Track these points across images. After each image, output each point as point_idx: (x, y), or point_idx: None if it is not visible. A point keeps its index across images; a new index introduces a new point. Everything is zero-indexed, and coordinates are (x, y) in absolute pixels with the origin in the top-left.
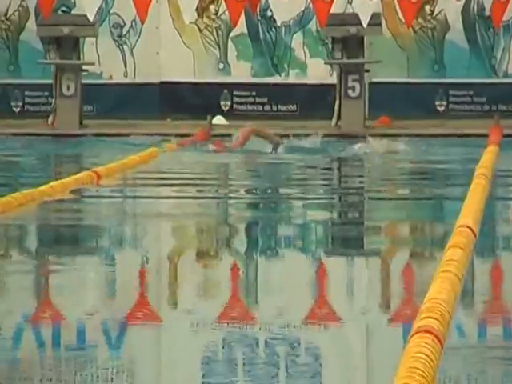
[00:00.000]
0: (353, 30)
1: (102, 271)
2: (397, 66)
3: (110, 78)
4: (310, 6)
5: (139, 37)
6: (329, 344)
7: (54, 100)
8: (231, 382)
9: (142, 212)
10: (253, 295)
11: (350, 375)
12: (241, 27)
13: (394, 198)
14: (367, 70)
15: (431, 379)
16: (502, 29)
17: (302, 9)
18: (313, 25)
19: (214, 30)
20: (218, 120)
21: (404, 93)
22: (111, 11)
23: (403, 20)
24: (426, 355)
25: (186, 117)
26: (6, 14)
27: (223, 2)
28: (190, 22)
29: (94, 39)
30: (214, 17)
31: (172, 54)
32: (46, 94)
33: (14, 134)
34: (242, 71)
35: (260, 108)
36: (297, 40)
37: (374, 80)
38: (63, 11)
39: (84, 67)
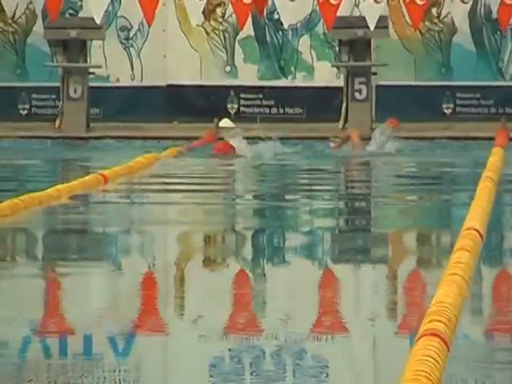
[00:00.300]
0: (360, 32)
1: (106, 276)
2: (404, 69)
3: (117, 80)
4: (317, 8)
5: (146, 40)
6: (335, 347)
7: (61, 103)
8: None
9: (147, 216)
10: (258, 303)
11: (356, 378)
12: (248, 30)
13: (398, 203)
14: (374, 73)
15: (437, 382)
16: (510, 31)
17: (309, 11)
18: (320, 28)
19: (221, 33)
20: (225, 123)
21: (411, 95)
22: (118, 14)
23: (410, 23)
24: (433, 358)
25: (193, 120)
26: (13, 17)
27: (230, 5)
28: (197, 25)
29: (101, 42)
30: (220, 19)
31: (179, 57)
32: (53, 96)
33: (21, 137)
34: (248, 74)
35: (267, 111)
36: (304, 43)
37: (381, 83)
38: (70, 14)
39: (91, 70)
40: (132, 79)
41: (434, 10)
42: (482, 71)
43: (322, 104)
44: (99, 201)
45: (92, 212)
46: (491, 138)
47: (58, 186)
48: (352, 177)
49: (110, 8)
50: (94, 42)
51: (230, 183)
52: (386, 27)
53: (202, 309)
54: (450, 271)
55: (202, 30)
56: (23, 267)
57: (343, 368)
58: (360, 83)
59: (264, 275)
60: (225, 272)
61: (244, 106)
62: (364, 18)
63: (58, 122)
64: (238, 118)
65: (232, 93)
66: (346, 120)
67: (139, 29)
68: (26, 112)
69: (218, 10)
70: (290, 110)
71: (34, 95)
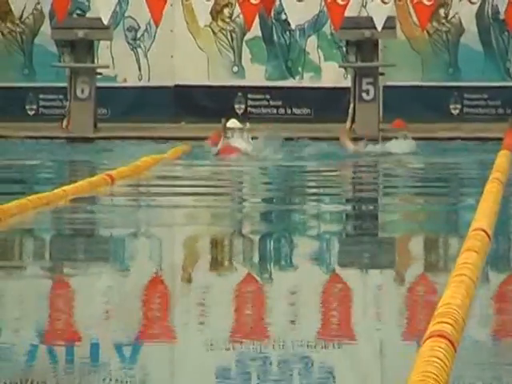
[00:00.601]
0: (367, 33)
1: (111, 278)
2: (411, 70)
3: (125, 81)
4: (325, 9)
5: (153, 40)
6: (342, 348)
7: (68, 103)
8: None
9: (152, 217)
10: (263, 307)
11: (364, 378)
12: (255, 30)
13: (406, 203)
14: (381, 73)
15: (445, 383)
16: None
17: (317, 12)
18: (327, 28)
19: (229, 33)
20: (233, 123)
21: (418, 96)
22: (126, 14)
23: (417, 23)
24: (440, 359)
25: (200, 120)
26: (20, 18)
27: (237, 6)
28: (205, 26)
29: (108, 42)
30: (228, 20)
31: (186, 57)
32: (61, 97)
33: (29, 137)
34: (256, 74)
35: (274, 111)
36: (311, 43)
37: (389, 83)
38: (78, 14)
39: (98, 70)
40: (139, 79)
41: (441, 11)
42: (490, 72)
43: (330, 104)
44: (104, 201)
45: (96, 213)
46: (499, 139)
47: (65, 187)
48: (358, 178)
49: (118, 8)
50: (102, 42)
51: (234, 184)
52: (394, 28)
53: (208, 312)
54: (457, 272)
55: (210, 30)
56: (23, 267)
57: (351, 368)
58: (367, 84)
59: (270, 277)
60: (225, 274)
61: (251, 106)
62: (371, 18)
63: (65, 123)
64: (245, 118)
65: (239, 93)
66: (353, 120)
67: (146, 29)
68: (33, 112)
69: (226, 11)
70: (297, 111)
71: (41, 95)
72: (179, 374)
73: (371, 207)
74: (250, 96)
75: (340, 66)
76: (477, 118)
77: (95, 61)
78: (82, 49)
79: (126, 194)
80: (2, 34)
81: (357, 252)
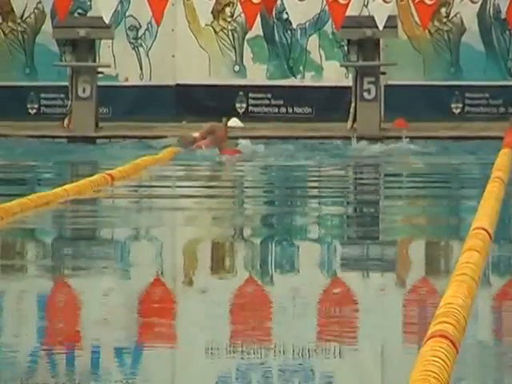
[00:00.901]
0: (369, 32)
1: (114, 278)
2: (413, 69)
3: (126, 80)
4: (326, 8)
5: (155, 39)
6: (344, 349)
7: (69, 102)
8: None
9: (153, 217)
10: (264, 310)
11: (366, 378)
12: (256, 29)
13: (405, 197)
14: (383, 73)
15: (446, 383)
16: None
17: (318, 11)
18: (328, 27)
19: (230, 33)
20: (234, 122)
21: (420, 95)
22: (127, 13)
23: (419, 22)
24: (441, 359)
25: (202, 119)
26: (22, 17)
27: (239, 5)
28: (206, 25)
29: (109, 41)
30: (229, 19)
31: (188, 57)
32: (62, 96)
33: (30, 136)
34: (257, 73)
35: (275, 110)
36: (312, 42)
37: (390, 82)
38: (79, 13)
39: (100, 69)
40: (141, 79)
41: (443, 10)
42: (491, 71)
43: (331, 104)
44: (104, 201)
45: (97, 212)
46: (500, 138)
47: (66, 186)
48: (359, 178)
49: (119, 7)
50: (103, 41)
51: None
52: (395, 27)
53: (208, 314)
54: (458, 271)
55: (211, 29)
56: (22, 267)
57: (353, 368)
58: (369, 83)
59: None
60: (226, 276)
61: (253, 105)
62: (373, 17)
63: (66, 122)
64: (246, 117)
65: (241, 92)
66: (354, 120)
67: (148, 28)
68: (34, 111)
69: (227, 10)
70: (298, 110)
71: (42, 94)
72: (180, 377)
73: (372, 209)
74: (251, 95)
75: (341, 66)
76: (478, 117)
77: (97, 60)
78: (84, 48)
79: (125, 194)
80: (4, 33)
81: (357, 252)
